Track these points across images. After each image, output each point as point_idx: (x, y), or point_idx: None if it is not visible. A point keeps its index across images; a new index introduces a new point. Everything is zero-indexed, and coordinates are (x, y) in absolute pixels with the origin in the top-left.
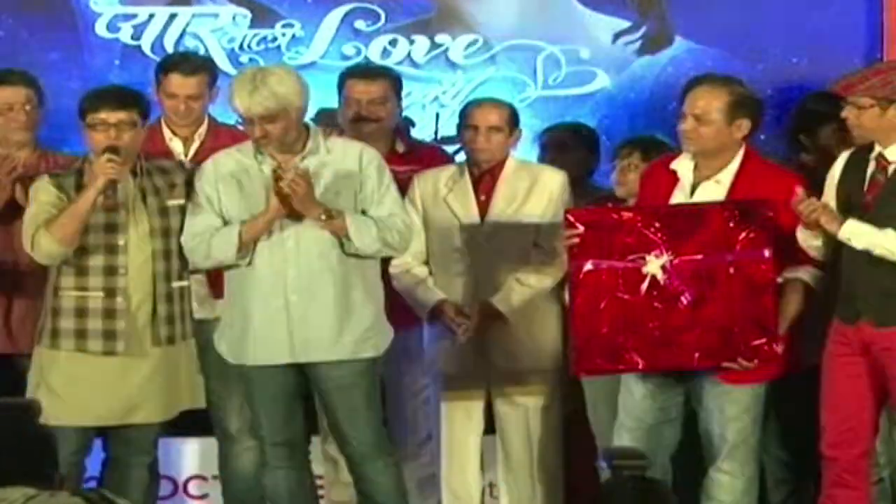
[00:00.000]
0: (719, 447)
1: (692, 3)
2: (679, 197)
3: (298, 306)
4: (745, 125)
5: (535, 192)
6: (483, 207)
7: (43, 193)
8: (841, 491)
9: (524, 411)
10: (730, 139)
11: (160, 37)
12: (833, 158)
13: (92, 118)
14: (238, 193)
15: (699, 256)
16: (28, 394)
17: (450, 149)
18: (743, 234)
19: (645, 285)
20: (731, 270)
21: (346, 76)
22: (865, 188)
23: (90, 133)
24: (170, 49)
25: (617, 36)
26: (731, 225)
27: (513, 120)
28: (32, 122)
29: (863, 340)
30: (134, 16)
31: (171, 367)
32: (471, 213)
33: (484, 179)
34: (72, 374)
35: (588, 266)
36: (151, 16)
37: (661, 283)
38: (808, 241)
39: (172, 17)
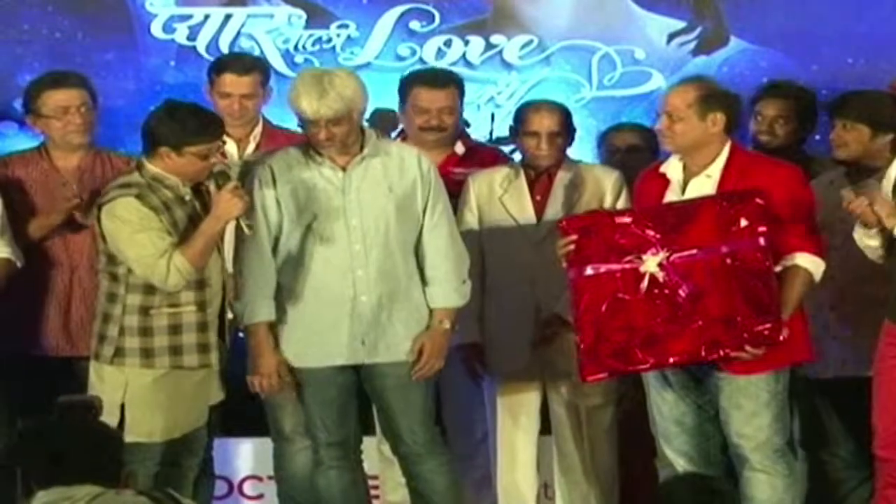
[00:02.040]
0: (746, 446)
1: (747, 4)
2: (671, 197)
3: (365, 307)
4: (719, 119)
5: (590, 191)
6: (539, 208)
7: (141, 217)
8: (895, 492)
9: (579, 411)
10: (705, 134)
11: (215, 37)
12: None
13: (208, 148)
14: (297, 197)
15: (695, 251)
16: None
17: (504, 149)
18: (735, 225)
19: (644, 284)
20: (728, 261)
21: (413, 82)
22: None
23: (196, 160)
24: (225, 50)
25: (672, 36)
26: (723, 217)
27: (569, 122)
28: (88, 124)
29: None
30: (189, 16)
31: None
32: (527, 214)
33: (540, 180)
34: (166, 391)
35: (588, 271)
36: (207, 16)
37: (661, 280)
38: (864, 240)
39: (228, 17)
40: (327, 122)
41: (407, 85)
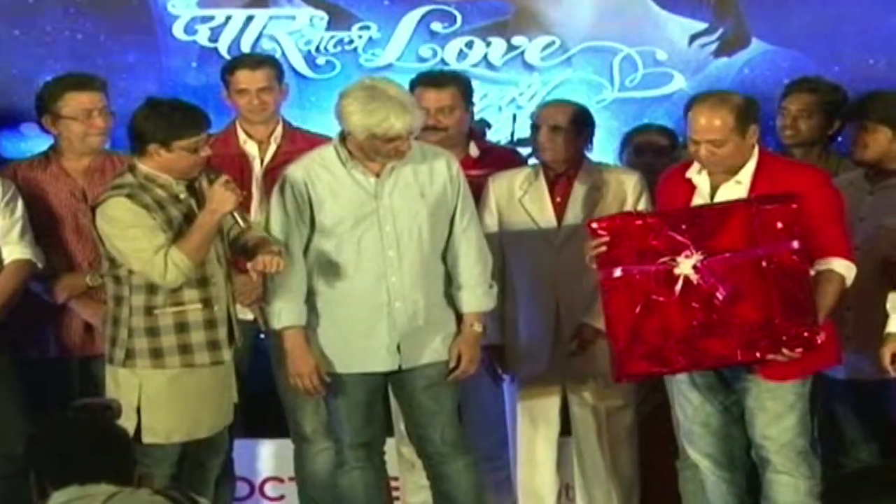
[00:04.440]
0: (770, 448)
1: (769, 5)
2: (699, 203)
3: (400, 313)
4: (754, 129)
5: (611, 193)
6: (559, 210)
7: (132, 216)
8: None
9: (599, 413)
10: (748, 149)
11: (237, 39)
12: None
13: (197, 141)
14: (331, 201)
15: (729, 254)
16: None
17: (526, 151)
18: (770, 228)
19: (679, 287)
20: (764, 264)
21: (416, 84)
22: None
23: (186, 154)
24: (247, 51)
25: (693, 38)
26: (758, 220)
27: (579, 120)
28: (108, 127)
29: None
30: (211, 18)
31: (231, 367)
32: (547, 216)
33: (559, 181)
34: (180, 391)
35: (618, 273)
36: (228, 18)
37: (695, 282)
38: None
39: (249, 19)
40: (409, 134)
41: (412, 88)
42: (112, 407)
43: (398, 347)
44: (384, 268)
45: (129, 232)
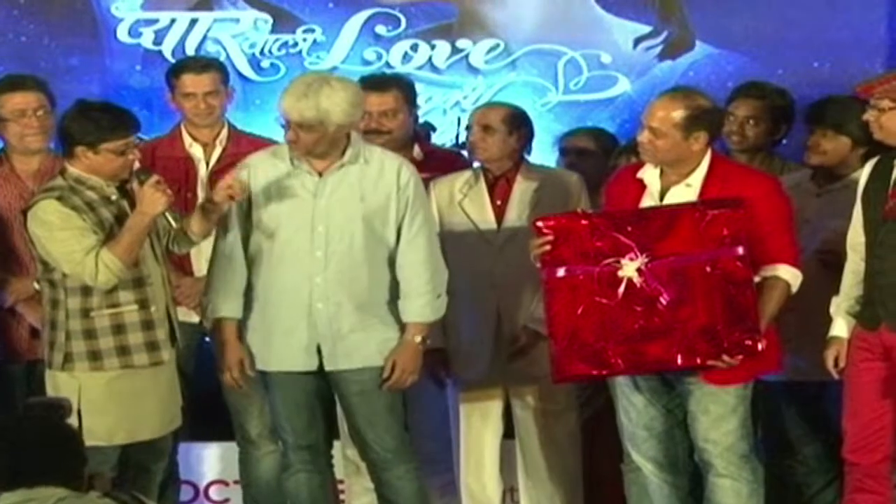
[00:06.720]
0: (712, 452)
1: (713, 8)
2: (648, 203)
3: (321, 314)
4: (702, 137)
5: (550, 195)
6: (499, 212)
7: (62, 218)
8: (862, 496)
9: (542, 415)
10: (687, 151)
11: (181, 42)
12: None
13: (125, 144)
14: (276, 200)
15: (674, 257)
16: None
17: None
18: (716, 233)
19: (622, 289)
20: (708, 269)
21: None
22: (889, 193)
23: (113, 157)
24: (191, 54)
25: (638, 41)
26: (703, 224)
27: (512, 121)
28: (45, 127)
29: (884, 345)
30: (155, 21)
31: (174, 369)
32: (487, 218)
33: (499, 183)
34: (119, 393)
35: (561, 272)
36: (173, 21)
37: (638, 285)
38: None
39: (194, 22)
40: (295, 124)
41: None
42: (63, 406)
43: (318, 349)
44: (311, 268)
45: (59, 234)
